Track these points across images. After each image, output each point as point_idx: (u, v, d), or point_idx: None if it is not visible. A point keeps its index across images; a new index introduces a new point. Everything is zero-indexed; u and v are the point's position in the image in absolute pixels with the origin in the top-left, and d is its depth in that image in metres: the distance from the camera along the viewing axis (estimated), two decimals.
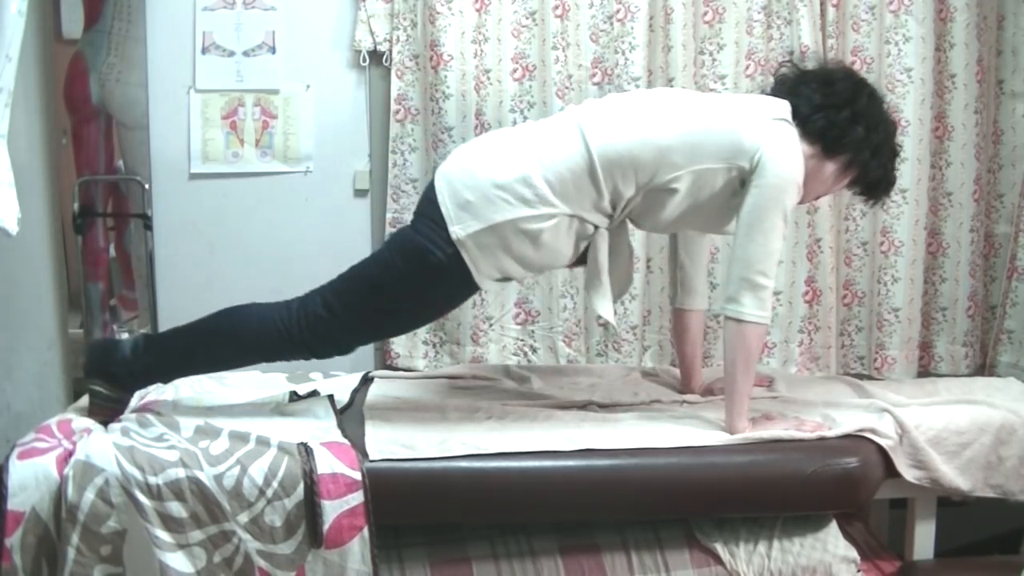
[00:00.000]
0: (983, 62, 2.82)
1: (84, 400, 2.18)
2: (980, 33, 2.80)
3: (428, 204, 2.08)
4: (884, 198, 2.31)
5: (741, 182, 2.09)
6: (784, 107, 2.15)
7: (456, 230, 2.01)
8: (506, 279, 2.14)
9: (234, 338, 2.13)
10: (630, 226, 2.24)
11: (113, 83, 2.77)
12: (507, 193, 2.02)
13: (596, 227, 2.11)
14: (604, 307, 2.15)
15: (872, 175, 2.20)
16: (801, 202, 2.21)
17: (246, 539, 1.87)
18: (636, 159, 2.05)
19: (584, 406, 2.32)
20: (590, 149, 2.04)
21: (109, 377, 2.12)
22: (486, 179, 2.04)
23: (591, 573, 2.04)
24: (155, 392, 2.35)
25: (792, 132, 2.11)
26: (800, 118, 2.14)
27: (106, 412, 2.12)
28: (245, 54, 2.79)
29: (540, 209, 2.02)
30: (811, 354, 2.90)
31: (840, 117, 2.12)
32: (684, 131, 2.07)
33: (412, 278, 2.06)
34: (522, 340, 2.86)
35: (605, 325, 2.80)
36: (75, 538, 1.82)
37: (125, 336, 2.27)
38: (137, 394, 2.29)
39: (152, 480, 1.85)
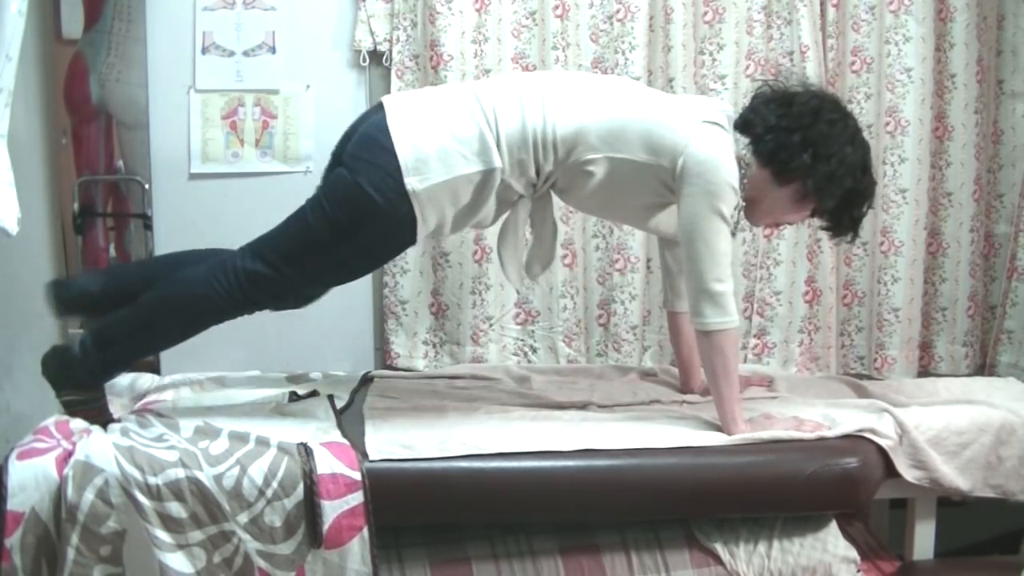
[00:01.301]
0: (983, 62, 2.82)
1: None
2: (980, 33, 2.80)
3: (376, 151, 2.01)
4: (851, 236, 2.21)
5: (664, 184, 2.09)
6: (720, 110, 2.14)
7: (412, 181, 1.98)
8: (436, 234, 2.13)
9: (178, 310, 2.09)
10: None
11: (113, 83, 2.76)
12: (464, 147, 2.01)
13: (520, 196, 2.12)
14: (513, 272, 2.18)
15: (826, 208, 2.13)
16: (755, 224, 2.24)
17: (246, 539, 1.87)
18: (560, 134, 2.05)
19: (584, 406, 2.32)
20: (526, 119, 2.04)
21: (72, 382, 2.10)
22: (446, 133, 2.02)
23: (591, 573, 2.04)
24: (155, 393, 2.35)
25: (720, 134, 2.08)
26: (753, 137, 2.11)
27: (86, 414, 2.10)
28: (245, 54, 2.78)
29: (487, 165, 2.02)
30: (811, 354, 2.90)
31: (789, 140, 2.07)
32: (608, 116, 2.08)
33: (356, 226, 2.01)
34: (522, 340, 2.86)
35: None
36: (75, 538, 1.82)
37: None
38: (137, 394, 2.29)
39: (152, 480, 1.85)
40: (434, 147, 2.00)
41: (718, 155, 2.05)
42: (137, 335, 2.13)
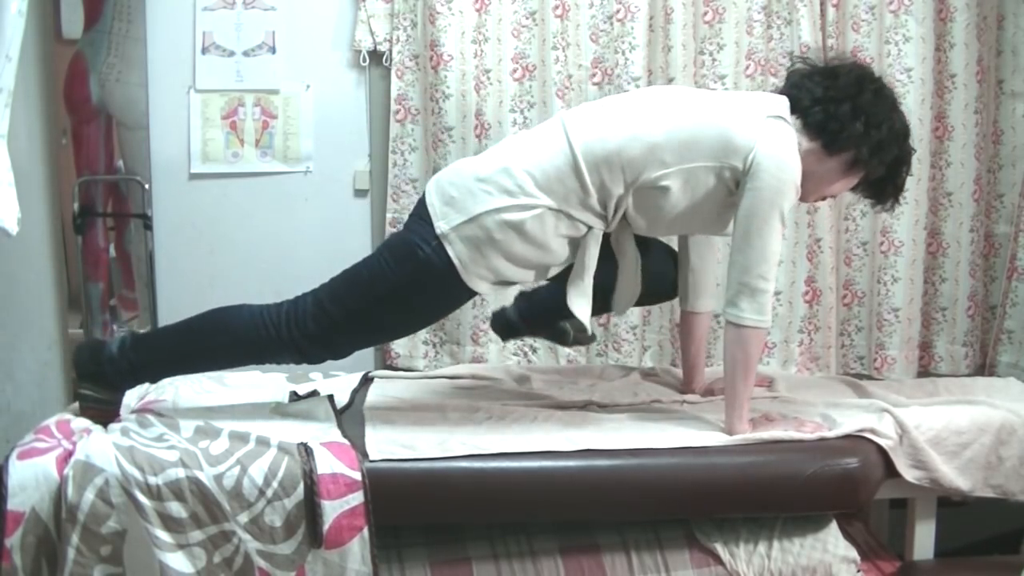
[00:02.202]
0: (983, 62, 2.82)
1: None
2: (980, 33, 2.80)
3: (419, 205, 2.10)
4: (891, 203, 2.23)
5: (736, 183, 2.07)
6: (781, 104, 2.11)
7: (440, 224, 2.01)
8: (502, 283, 2.11)
9: (222, 337, 2.11)
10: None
11: (113, 83, 2.77)
12: (488, 184, 2.02)
13: (589, 228, 2.09)
14: (581, 308, 2.12)
15: (874, 176, 2.14)
16: (804, 200, 2.19)
17: (246, 539, 1.87)
18: (622, 155, 2.03)
19: (584, 406, 2.32)
20: (572, 145, 2.03)
21: (97, 378, 2.11)
22: (469, 174, 2.05)
23: (591, 573, 2.04)
24: (155, 392, 2.35)
25: (787, 130, 2.07)
26: (800, 111, 2.10)
27: (97, 414, 2.10)
28: (245, 54, 2.79)
29: (521, 199, 2.01)
30: (811, 354, 2.90)
31: (840, 111, 2.07)
32: (673, 128, 2.05)
33: (402, 278, 2.04)
34: (522, 340, 2.86)
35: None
36: (75, 538, 1.82)
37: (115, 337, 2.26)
38: (137, 394, 2.29)
39: (152, 480, 1.85)
40: (458, 189, 2.04)
41: (786, 152, 2.05)
42: (176, 351, 2.14)
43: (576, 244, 2.10)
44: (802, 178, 2.10)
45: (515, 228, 2.02)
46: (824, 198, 2.29)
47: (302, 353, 2.10)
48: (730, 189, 2.08)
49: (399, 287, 2.05)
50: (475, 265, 2.03)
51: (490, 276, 2.06)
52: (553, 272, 2.15)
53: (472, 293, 2.09)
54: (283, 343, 2.08)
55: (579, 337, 2.35)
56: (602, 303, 2.19)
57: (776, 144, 2.04)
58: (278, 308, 2.09)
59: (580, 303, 2.11)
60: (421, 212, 2.07)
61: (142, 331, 2.14)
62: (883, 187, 2.18)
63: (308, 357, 2.11)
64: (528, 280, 2.15)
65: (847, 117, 2.07)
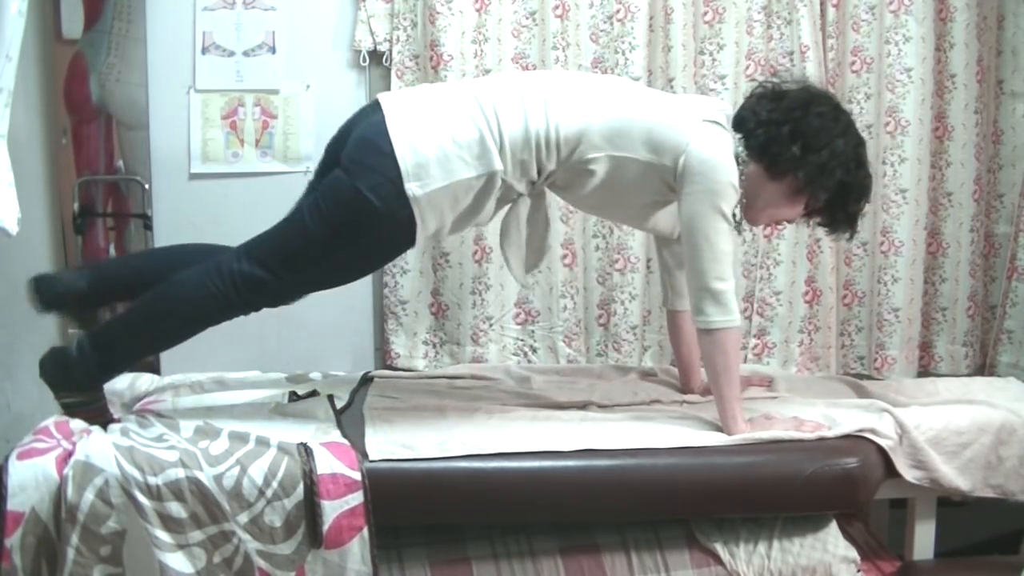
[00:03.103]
0: (983, 62, 2.82)
1: None
2: (980, 33, 2.80)
3: (375, 155, 1.99)
4: (848, 232, 2.20)
5: (665, 183, 2.09)
6: (719, 110, 2.14)
7: (413, 187, 1.97)
8: (434, 238, 2.14)
9: (173, 312, 2.09)
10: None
11: (113, 83, 2.76)
12: (464, 151, 2.01)
13: (520, 194, 2.13)
14: (518, 268, 2.19)
15: (817, 202, 2.12)
16: (754, 223, 2.23)
17: (246, 539, 1.87)
18: (563, 134, 2.05)
19: (584, 406, 2.32)
20: (528, 120, 2.04)
21: (71, 383, 2.09)
22: (446, 137, 2.00)
23: (591, 573, 2.04)
24: (155, 393, 2.35)
25: (721, 134, 2.09)
26: (745, 132, 2.12)
27: (87, 415, 2.09)
28: (245, 54, 2.78)
29: (486, 168, 2.02)
30: (811, 354, 2.90)
31: (779, 133, 2.07)
32: (611, 116, 2.08)
33: (354, 230, 2.00)
34: (522, 340, 2.86)
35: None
36: (75, 538, 1.82)
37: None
38: (137, 394, 2.29)
39: (152, 480, 1.85)
40: (434, 151, 1.98)
41: (719, 154, 2.06)
42: (134, 337, 2.13)
43: (501, 206, 2.14)
44: (749, 201, 2.13)
45: (476, 193, 2.04)
46: (778, 222, 2.29)
47: (255, 309, 2.10)
48: (658, 188, 2.11)
49: (352, 240, 2.01)
50: (432, 222, 2.03)
51: (433, 230, 2.05)
52: None
53: (412, 244, 2.07)
54: (236, 307, 2.07)
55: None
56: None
57: (708, 146, 2.05)
58: (218, 273, 2.04)
59: (516, 263, 2.19)
60: (378, 165, 1.97)
61: (95, 329, 2.12)
62: (832, 214, 2.16)
63: (258, 309, 2.11)
64: (453, 234, 2.19)
65: (786, 140, 2.07)
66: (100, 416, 2.11)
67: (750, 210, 2.17)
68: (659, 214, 2.24)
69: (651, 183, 2.11)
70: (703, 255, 2.05)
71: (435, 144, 1.99)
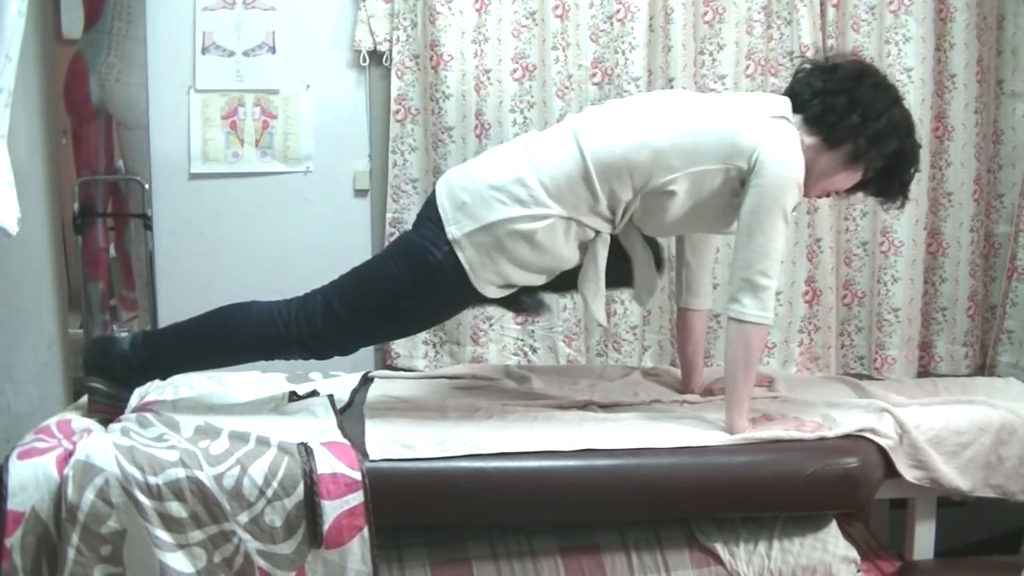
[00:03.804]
0: (983, 62, 2.82)
1: (84, 400, 2.18)
2: (980, 33, 2.80)
3: (428, 207, 2.10)
4: (900, 201, 2.22)
5: (741, 182, 2.08)
6: (783, 104, 2.13)
7: (452, 230, 2.03)
8: (510, 286, 2.12)
9: (232, 334, 2.13)
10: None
11: (113, 83, 2.77)
12: (501, 193, 2.03)
13: (597, 232, 2.11)
14: (599, 310, 2.16)
15: (874, 169, 2.14)
16: (807, 195, 2.20)
17: (246, 539, 1.87)
18: (631, 163, 2.05)
19: (584, 406, 2.32)
20: (584, 154, 2.04)
21: (107, 373, 2.12)
22: (482, 180, 2.06)
23: (591, 573, 2.04)
24: (155, 392, 2.35)
25: (790, 129, 2.09)
26: (800, 105, 2.12)
27: (105, 409, 2.12)
28: (245, 54, 2.79)
29: (534, 209, 2.02)
30: (811, 354, 2.90)
31: (837, 102, 2.08)
32: (678, 133, 2.07)
33: (411, 280, 2.06)
34: (522, 340, 2.86)
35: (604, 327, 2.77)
36: (75, 538, 1.82)
37: (124, 334, 2.27)
38: (137, 394, 2.29)
39: (152, 480, 1.85)
40: (471, 195, 2.04)
41: (789, 151, 2.06)
42: (186, 348, 2.16)
43: (584, 247, 2.12)
44: (805, 173, 2.11)
45: (526, 237, 2.04)
46: (829, 194, 2.29)
47: (311, 351, 2.12)
48: (735, 189, 2.09)
49: (408, 289, 2.06)
50: (484, 270, 2.04)
51: (498, 280, 2.08)
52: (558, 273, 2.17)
53: (480, 296, 2.10)
54: (292, 341, 2.10)
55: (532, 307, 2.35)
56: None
57: (779, 143, 2.06)
58: (287, 306, 2.10)
59: (596, 305, 2.15)
60: (430, 214, 2.08)
61: (153, 329, 2.15)
62: (887, 183, 2.18)
63: (316, 354, 2.13)
64: (534, 283, 2.16)
65: (844, 109, 2.08)
66: (115, 415, 2.12)
67: (806, 181, 2.13)
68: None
69: (730, 187, 2.09)
70: (755, 247, 2.05)
71: (472, 188, 2.05)
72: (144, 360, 2.13)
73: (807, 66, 2.19)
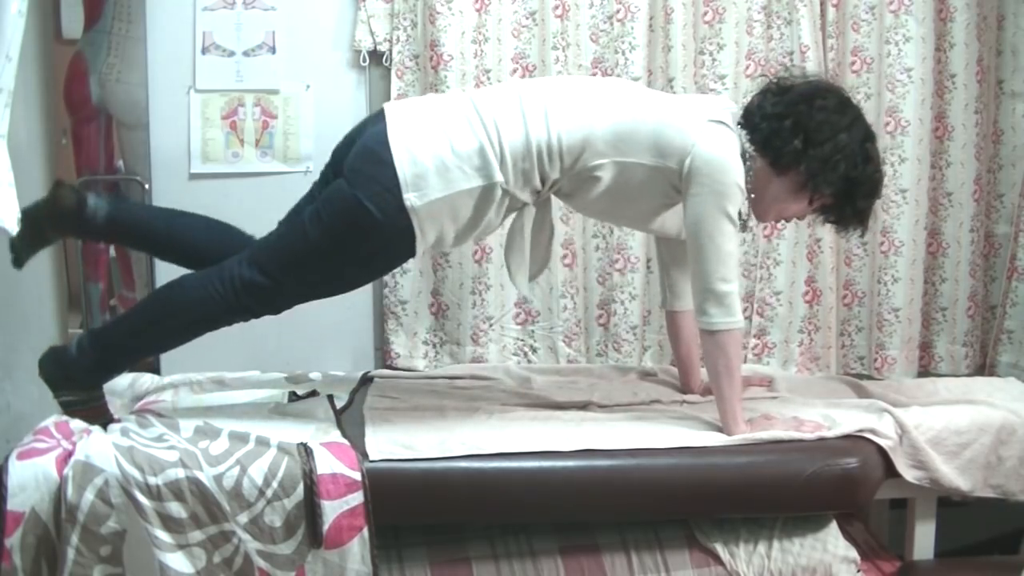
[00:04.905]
0: (983, 62, 2.82)
1: None
2: (980, 33, 2.80)
3: (375, 164, 2.00)
4: (859, 229, 2.18)
5: (671, 185, 2.08)
6: (725, 109, 2.13)
7: (411, 197, 1.97)
8: (436, 248, 2.13)
9: (174, 314, 2.10)
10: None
11: (113, 83, 2.77)
12: (463, 163, 2.00)
13: (525, 204, 2.12)
14: (522, 280, 2.17)
15: (821, 197, 2.10)
16: (762, 220, 2.22)
17: (246, 539, 1.87)
18: (564, 142, 2.04)
19: (584, 406, 2.32)
20: (528, 130, 2.03)
21: (70, 383, 2.10)
22: (445, 148, 2.00)
23: (591, 573, 2.04)
24: (155, 393, 2.35)
25: (727, 133, 2.07)
26: (750, 128, 2.11)
27: (86, 414, 2.10)
28: (245, 54, 2.78)
29: (486, 180, 2.01)
30: (811, 354, 2.90)
31: (782, 126, 2.05)
32: (614, 121, 2.06)
33: (354, 239, 2.01)
34: (522, 340, 2.86)
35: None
36: (75, 538, 1.82)
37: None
38: (137, 394, 2.29)
39: (152, 480, 1.85)
40: (433, 162, 1.99)
41: (725, 155, 2.04)
42: (134, 337, 2.14)
43: (508, 216, 2.13)
44: (756, 196, 2.12)
45: (476, 205, 2.03)
46: (787, 219, 2.28)
47: (253, 315, 2.10)
48: (664, 190, 2.10)
49: (351, 249, 2.02)
50: (431, 235, 2.03)
51: (432, 240, 2.06)
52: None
53: (411, 255, 2.08)
54: (235, 310, 2.08)
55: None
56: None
57: (714, 147, 2.04)
58: (220, 278, 2.06)
59: (520, 276, 2.16)
60: (378, 175, 1.98)
61: (96, 327, 2.13)
62: (840, 209, 2.13)
63: (257, 316, 2.11)
64: (454, 247, 2.19)
65: (787, 133, 2.05)
66: (99, 415, 2.11)
67: (758, 206, 2.16)
68: (666, 215, 2.23)
69: (657, 186, 2.09)
70: (708, 256, 2.05)
71: (434, 154, 1.99)
72: (95, 360, 2.10)
73: (766, 86, 2.17)
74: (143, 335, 2.14)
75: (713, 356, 2.10)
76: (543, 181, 2.08)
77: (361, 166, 2.02)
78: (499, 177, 2.01)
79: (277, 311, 2.13)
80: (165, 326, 2.11)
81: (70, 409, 2.10)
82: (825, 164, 2.05)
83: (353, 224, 1.99)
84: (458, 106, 2.08)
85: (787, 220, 2.33)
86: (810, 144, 2.05)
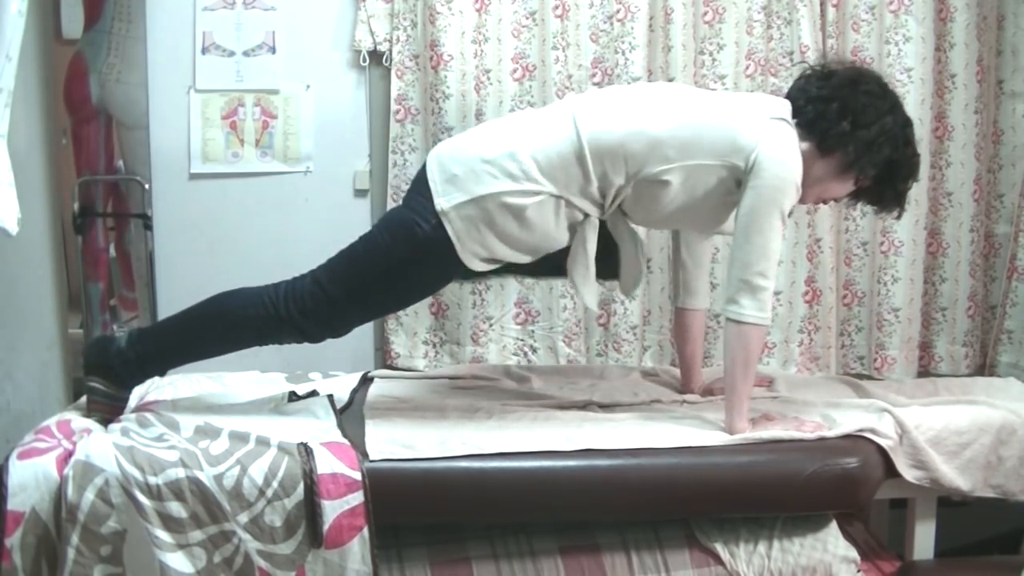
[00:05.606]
0: (983, 62, 2.82)
1: (84, 400, 2.18)
2: (980, 33, 2.80)
3: (419, 181, 2.10)
4: (896, 211, 2.21)
5: (736, 182, 2.08)
6: (784, 107, 2.14)
7: (441, 202, 2.02)
8: (495, 261, 2.11)
9: (223, 321, 2.13)
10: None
11: (113, 83, 2.77)
12: (493, 167, 2.02)
13: (586, 215, 2.11)
14: (588, 295, 2.16)
15: (865, 178, 2.13)
16: (803, 202, 2.20)
17: (246, 539, 1.87)
18: (626, 148, 2.04)
19: (584, 406, 2.32)
20: (580, 134, 2.04)
21: (106, 372, 2.12)
22: (473, 154, 2.05)
23: (591, 573, 2.04)
24: (155, 392, 2.35)
25: (789, 131, 2.09)
26: (796, 111, 2.12)
27: (104, 409, 2.12)
28: (245, 54, 2.79)
29: (524, 185, 2.02)
30: (811, 354, 2.90)
31: (829, 109, 2.08)
32: (679, 125, 2.07)
33: (399, 253, 2.06)
34: (522, 340, 2.86)
35: (604, 325, 2.79)
36: (75, 538, 1.82)
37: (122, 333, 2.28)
38: (137, 394, 2.29)
39: (152, 480, 1.85)
40: (461, 167, 2.04)
41: (787, 153, 2.06)
42: (180, 339, 2.16)
43: (572, 230, 2.12)
44: (801, 178, 2.11)
45: (515, 212, 2.03)
46: (825, 201, 2.29)
47: (302, 332, 2.12)
48: (729, 188, 2.09)
49: (397, 263, 2.06)
50: (471, 242, 2.04)
51: (484, 253, 2.07)
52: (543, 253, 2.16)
53: (466, 269, 2.09)
54: (282, 323, 2.09)
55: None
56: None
57: (778, 144, 2.06)
58: (275, 288, 2.10)
59: (586, 290, 2.15)
60: (420, 188, 2.08)
61: (148, 325, 2.15)
62: (881, 193, 2.17)
63: (308, 336, 2.13)
64: (520, 261, 2.15)
65: (835, 116, 2.08)
66: (115, 415, 2.12)
67: (802, 187, 2.14)
68: (732, 215, 2.19)
69: (724, 185, 2.09)
70: (753, 248, 2.05)
71: (463, 160, 2.05)
72: (140, 355, 2.13)
73: (808, 71, 2.19)
74: (191, 337, 2.16)
75: (734, 347, 2.10)
76: (605, 188, 2.08)
77: (411, 186, 2.15)
78: (540, 183, 2.03)
79: (326, 329, 2.13)
80: (213, 331, 2.14)
81: (94, 397, 2.12)
82: (870, 146, 2.08)
83: (396, 234, 2.06)
84: (501, 120, 2.18)
85: (825, 203, 2.35)
86: (857, 126, 2.07)
